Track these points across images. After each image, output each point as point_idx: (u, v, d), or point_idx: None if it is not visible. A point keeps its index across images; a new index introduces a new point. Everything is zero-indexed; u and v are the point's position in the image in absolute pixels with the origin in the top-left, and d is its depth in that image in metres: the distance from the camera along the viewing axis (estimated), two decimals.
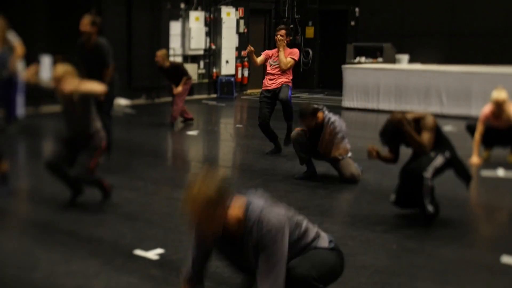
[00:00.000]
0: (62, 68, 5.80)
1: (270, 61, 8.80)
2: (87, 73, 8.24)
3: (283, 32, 8.70)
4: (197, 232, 3.34)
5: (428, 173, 5.51)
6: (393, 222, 5.69)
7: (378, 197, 6.54)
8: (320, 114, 7.03)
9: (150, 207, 6.15)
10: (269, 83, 8.75)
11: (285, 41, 8.66)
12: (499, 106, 7.98)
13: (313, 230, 3.52)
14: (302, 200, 6.38)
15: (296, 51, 8.82)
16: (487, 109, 8.21)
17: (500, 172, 7.78)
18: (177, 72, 11.29)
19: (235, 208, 3.19)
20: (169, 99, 15.25)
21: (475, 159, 8.18)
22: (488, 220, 6.09)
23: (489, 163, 8.30)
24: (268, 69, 8.83)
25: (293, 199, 6.35)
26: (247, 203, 3.22)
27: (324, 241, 3.54)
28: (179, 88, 11.15)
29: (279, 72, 8.69)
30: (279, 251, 3.16)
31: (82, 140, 5.89)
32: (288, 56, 8.63)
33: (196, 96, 16.27)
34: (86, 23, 8.00)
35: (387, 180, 7.19)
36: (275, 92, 8.71)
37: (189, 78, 11.37)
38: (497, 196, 6.93)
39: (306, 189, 6.84)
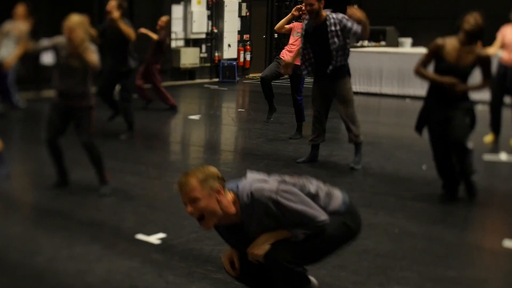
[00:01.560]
0: (76, 18, 5.71)
1: (294, 33, 8.54)
2: (111, 56, 8.38)
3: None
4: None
5: (469, 143, 5.63)
6: (395, 207, 5.69)
7: (380, 181, 6.53)
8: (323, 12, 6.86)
9: (152, 192, 6.15)
10: (287, 55, 8.48)
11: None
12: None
13: (323, 191, 3.36)
14: None
15: None
16: (506, 27, 8.39)
17: (503, 156, 7.76)
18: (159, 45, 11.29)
19: (227, 195, 3.19)
20: (170, 82, 15.27)
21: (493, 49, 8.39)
22: (490, 205, 6.08)
23: (492, 148, 8.28)
24: (291, 41, 8.61)
25: None
26: (236, 185, 3.23)
27: (335, 202, 3.35)
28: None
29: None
30: (293, 208, 3.12)
31: (76, 98, 5.84)
32: None
33: (198, 80, 16.23)
34: (113, 5, 8.12)
35: (390, 164, 7.19)
36: None
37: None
38: (499, 180, 6.91)
39: (309, 174, 6.77)
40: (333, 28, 6.74)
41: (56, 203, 5.68)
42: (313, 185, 3.34)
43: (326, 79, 6.93)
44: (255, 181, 3.18)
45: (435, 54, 5.71)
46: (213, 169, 3.18)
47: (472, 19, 5.52)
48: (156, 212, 5.49)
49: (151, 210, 5.55)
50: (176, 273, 4.16)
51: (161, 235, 4.85)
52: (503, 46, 8.37)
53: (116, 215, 5.39)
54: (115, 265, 4.29)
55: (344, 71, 6.95)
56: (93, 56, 5.70)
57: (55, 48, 5.85)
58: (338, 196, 3.39)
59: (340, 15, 6.80)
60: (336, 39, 6.74)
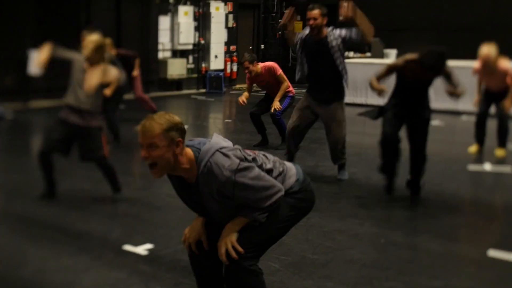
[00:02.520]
0: (97, 37, 5.87)
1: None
2: None
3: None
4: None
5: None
6: (381, 217, 5.73)
7: (366, 192, 6.58)
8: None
9: (139, 202, 6.16)
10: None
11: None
12: (486, 63, 7.98)
13: (277, 168, 3.30)
14: None
15: None
16: (477, 65, 8.33)
17: (487, 167, 7.84)
18: (129, 63, 11.12)
19: (186, 151, 3.13)
20: (157, 93, 15.28)
21: (477, 98, 8.63)
22: (475, 214, 6.14)
23: (477, 158, 8.37)
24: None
25: None
26: (198, 145, 3.18)
27: (290, 180, 3.32)
28: (135, 72, 10.89)
29: None
30: (250, 185, 3.08)
31: (86, 116, 5.89)
32: None
33: (185, 91, 16.26)
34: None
35: (375, 174, 7.23)
36: None
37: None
38: (483, 190, 6.99)
39: None
40: (334, 43, 6.74)
41: (43, 214, 5.68)
42: (270, 161, 3.30)
43: (321, 97, 6.94)
44: (218, 150, 3.10)
45: (397, 71, 6.05)
46: (178, 119, 3.11)
47: (431, 57, 5.72)
48: (143, 223, 5.50)
49: (138, 221, 5.55)
50: (163, 284, 4.18)
51: (149, 246, 4.86)
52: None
53: (104, 226, 5.39)
54: (102, 276, 4.30)
55: (342, 93, 6.99)
56: (112, 73, 5.87)
57: (70, 62, 5.93)
58: (292, 174, 3.36)
59: (340, 31, 6.80)
60: (339, 54, 6.76)
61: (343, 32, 6.74)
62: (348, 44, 6.79)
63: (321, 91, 6.91)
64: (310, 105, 7.02)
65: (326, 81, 6.89)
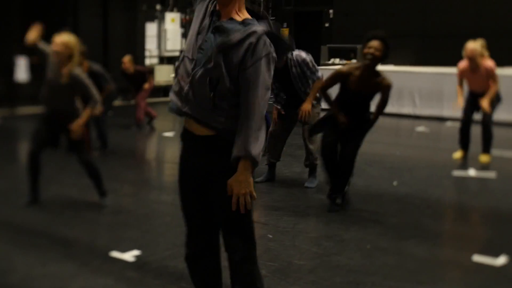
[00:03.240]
0: (68, 37, 5.82)
1: None
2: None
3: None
4: None
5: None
6: (367, 223, 5.77)
7: (352, 197, 6.61)
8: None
9: (127, 209, 6.16)
10: None
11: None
12: (471, 58, 8.18)
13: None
14: (278, 200, 6.45)
15: None
16: (462, 63, 8.46)
17: (472, 172, 7.92)
18: (143, 78, 11.22)
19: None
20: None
21: (460, 100, 8.55)
22: (460, 220, 6.21)
23: (461, 164, 8.45)
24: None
25: (269, 200, 6.41)
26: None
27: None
28: (147, 85, 11.08)
29: None
30: (264, 77, 2.95)
31: (66, 118, 5.90)
32: None
33: None
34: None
35: (361, 180, 7.28)
36: None
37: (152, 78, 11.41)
38: (468, 196, 7.06)
39: (282, 190, 6.91)
40: (294, 71, 6.79)
41: (30, 221, 5.67)
42: None
43: (294, 107, 6.96)
44: (267, 40, 2.96)
45: (343, 82, 5.97)
46: None
47: (371, 45, 5.75)
48: (130, 229, 5.50)
49: (125, 227, 5.56)
50: None
51: (136, 252, 4.87)
52: (463, 82, 8.59)
53: (90, 232, 5.39)
54: (89, 283, 4.30)
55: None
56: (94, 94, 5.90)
57: (47, 56, 5.92)
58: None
59: (301, 59, 6.80)
60: (298, 80, 6.82)
61: (305, 69, 6.80)
62: (304, 70, 6.84)
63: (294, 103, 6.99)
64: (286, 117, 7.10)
65: (294, 95, 6.95)
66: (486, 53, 8.43)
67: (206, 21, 3.09)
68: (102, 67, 8.90)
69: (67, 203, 6.14)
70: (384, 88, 5.87)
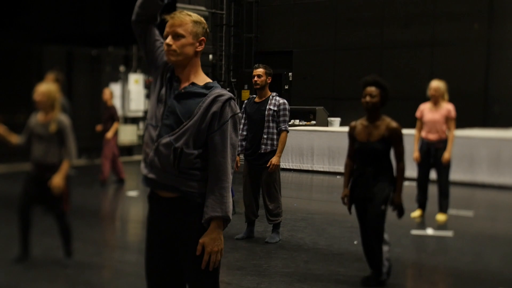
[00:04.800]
0: (48, 86, 5.96)
1: None
2: None
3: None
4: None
5: (386, 235, 5.69)
6: (329, 281, 5.88)
7: (314, 256, 6.73)
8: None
9: (90, 270, 6.16)
10: None
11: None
12: (434, 95, 8.60)
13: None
14: (241, 260, 6.52)
15: None
16: (423, 104, 8.86)
17: (430, 231, 8.12)
18: (112, 113, 11.41)
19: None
20: None
21: (416, 154, 8.76)
22: (419, 278, 6.35)
23: (419, 223, 8.65)
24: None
25: (232, 259, 6.48)
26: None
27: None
28: (109, 134, 11.26)
29: None
30: (232, 137, 3.13)
31: (48, 171, 5.94)
32: None
33: (136, 157, 16.32)
34: (48, 79, 8.22)
35: (322, 239, 7.41)
36: None
37: (117, 121, 11.55)
38: (426, 255, 7.23)
39: (244, 249, 6.98)
40: (272, 107, 7.06)
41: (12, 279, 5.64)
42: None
43: (257, 157, 7.17)
44: (232, 99, 3.15)
45: (352, 136, 5.71)
46: (205, 22, 3.23)
47: (366, 92, 5.56)
48: None
49: (89, 287, 5.56)
50: None
51: None
52: (422, 124, 8.82)
53: None
54: None
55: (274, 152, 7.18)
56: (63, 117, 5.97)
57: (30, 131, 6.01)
58: None
59: (283, 101, 7.11)
60: (271, 119, 7.05)
61: (283, 111, 7.05)
62: (278, 119, 7.08)
63: (258, 153, 7.18)
64: (249, 169, 7.29)
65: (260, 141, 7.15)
66: (447, 96, 8.80)
67: (164, 88, 3.21)
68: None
69: (30, 262, 6.12)
70: (392, 131, 5.53)
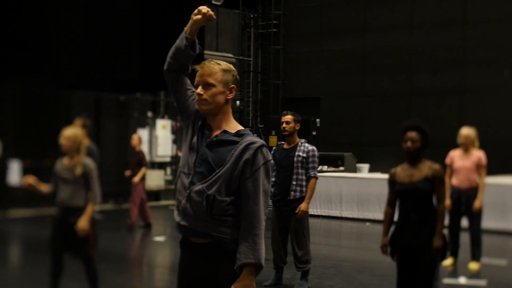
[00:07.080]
0: (72, 130, 6.01)
1: None
2: None
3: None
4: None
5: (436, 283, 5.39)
6: None
7: None
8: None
9: None
10: None
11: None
12: (465, 142, 8.47)
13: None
14: None
15: None
16: (453, 151, 8.70)
17: (462, 280, 7.94)
18: (141, 158, 11.48)
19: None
20: None
21: (447, 202, 8.41)
22: None
23: (451, 271, 8.48)
24: None
25: None
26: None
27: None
28: (136, 178, 11.29)
29: None
30: (264, 185, 3.12)
31: (74, 214, 5.93)
32: None
33: (163, 202, 16.35)
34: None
35: (352, 287, 7.29)
36: None
37: (145, 166, 11.61)
38: None
39: None
40: (301, 154, 7.04)
41: None
42: None
43: (286, 203, 7.13)
44: (264, 146, 3.15)
45: (393, 181, 5.51)
46: (235, 69, 3.23)
47: (407, 137, 5.44)
48: None
49: None
50: None
51: None
52: (452, 171, 8.71)
53: None
54: None
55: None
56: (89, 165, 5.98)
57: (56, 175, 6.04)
58: None
59: (311, 148, 7.09)
60: (300, 165, 7.02)
61: (312, 158, 7.04)
62: (308, 160, 7.07)
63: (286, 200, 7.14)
64: (277, 215, 7.23)
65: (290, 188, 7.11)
66: (477, 143, 8.69)
67: (196, 136, 3.23)
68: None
69: None
70: (435, 171, 5.36)
